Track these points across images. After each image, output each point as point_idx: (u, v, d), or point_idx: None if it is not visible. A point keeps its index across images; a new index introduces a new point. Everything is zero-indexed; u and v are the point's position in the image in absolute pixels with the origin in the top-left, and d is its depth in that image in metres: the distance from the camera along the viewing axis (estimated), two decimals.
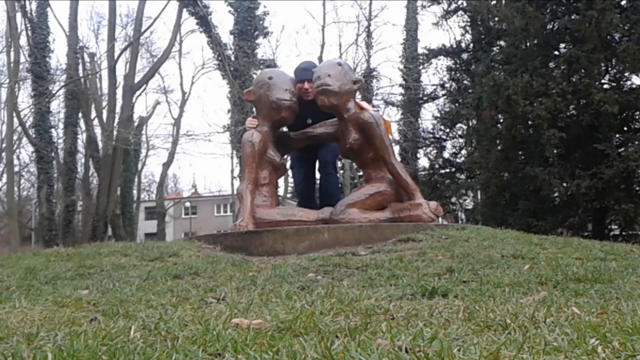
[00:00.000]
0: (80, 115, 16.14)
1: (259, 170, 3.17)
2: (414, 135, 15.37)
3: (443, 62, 14.14)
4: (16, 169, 17.50)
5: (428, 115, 22.80)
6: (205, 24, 14.42)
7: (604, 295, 1.50)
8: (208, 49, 14.90)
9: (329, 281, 1.92)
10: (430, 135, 14.65)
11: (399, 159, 3.44)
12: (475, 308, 1.28)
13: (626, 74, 9.59)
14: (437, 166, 13.61)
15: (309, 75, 3.33)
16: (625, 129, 9.50)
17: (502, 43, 11.32)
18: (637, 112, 9.42)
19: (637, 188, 8.96)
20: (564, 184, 8.69)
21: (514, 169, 9.87)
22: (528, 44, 10.08)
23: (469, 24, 13.31)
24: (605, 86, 9.46)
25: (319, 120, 3.48)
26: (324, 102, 3.18)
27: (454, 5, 13.38)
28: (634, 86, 9.52)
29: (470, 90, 12.37)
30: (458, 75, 13.83)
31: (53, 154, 16.01)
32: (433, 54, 13.96)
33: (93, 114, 16.57)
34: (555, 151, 9.04)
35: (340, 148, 3.46)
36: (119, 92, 14.94)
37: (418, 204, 3.11)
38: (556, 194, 9.09)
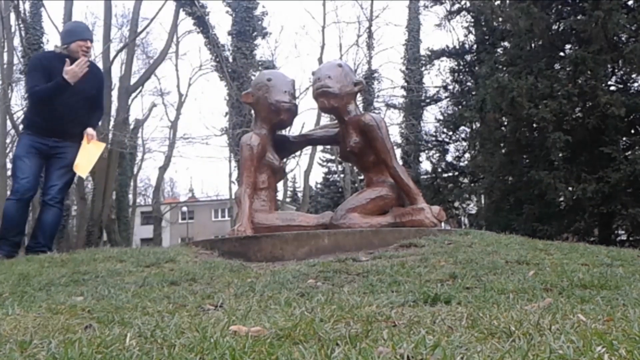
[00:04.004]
0: None
1: (258, 174, 3.14)
2: (416, 138, 15.38)
3: (446, 64, 14.17)
4: (9, 172, 17.51)
5: (430, 117, 22.79)
6: (202, 24, 14.47)
7: (611, 302, 1.47)
8: (205, 50, 14.98)
9: (329, 287, 1.89)
10: (433, 138, 14.64)
11: (400, 162, 3.41)
12: (478, 315, 1.26)
13: (633, 76, 9.54)
14: (439, 170, 13.57)
15: (91, 35, 3.56)
16: (632, 132, 9.43)
17: (506, 44, 11.29)
18: None
19: None
20: (570, 188, 8.63)
21: (518, 173, 9.82)
22: (533, 45, 10.04)
23: (472, 24, 13.31)
24: (612, 88, 9.40)
25: (84, 85, 3.41)
26: (324, 104, 3.16)
27: (457, 6, 13.38)
28: None
29: (473, 92, 12.36)
30: (461, 77, 13.83)
31: None
32: (435, 55, 13.98)
33: None
34: (560, 154, 8.98)
35: (341, 151, 3.44)
36: (115, 94, 14.91)
37: (420, 209, 3.08)
38: (562, 199, 9.02)
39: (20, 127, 15.86)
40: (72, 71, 3.31)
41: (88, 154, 3.44)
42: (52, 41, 17.33)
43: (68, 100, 3.38)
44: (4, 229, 3.34)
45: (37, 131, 3.42)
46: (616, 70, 9.69)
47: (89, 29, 3.74)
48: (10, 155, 18.42)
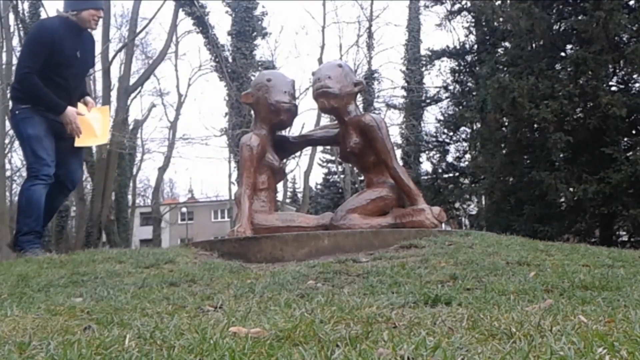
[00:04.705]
0: None
1: (258, 174, 3.13)
2: (417, 139, 15.39)
3: (446, 64, 14.17)
4: (8, 173, 17.32)
5: (431, 118, 22.85)
6: (202, 24, 14.46)
7: (612, 303, 1.47)
8: (205, 50, 14.97)
9: (329, 289, 1.89)
10: (433, 139, 14.65)
11: (401, 163, 3.40)
12: (479, 316, 1.25)
13: (634, 76, 9.55)
14: (440, 170, 13.59)
15: (103, 5, 3.27)
16: (634, 132, 9.43)
17: (507, 44, 11.30)
18: None
19: None
20: (571, 189, 8.63)
21: (519, 174, 9.82)
22: (534, 45, 10.05)
23: (473, 24, 13.33)
24: (613, 88, 9.40)
25: (86, 54, 3.25)
26: (324, 104, 3.15)
27: (457, 6, 13.39)
28: None
29: (474, 93, 12.37)
30: (462, 77, 13.84)
31: None
32: (436, 55, 13.99)
33: None
34: (561, 155, 8.98)
35: (341, 151, 3.43)
36: (114, 94, 14.83)
37: (421, 210, 3.06)
38: (562, 199, 9.02)
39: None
40: (71, 120, 3.04)
41: (100, 122, 3.23)
42: None
43: (77, 72, 3.21)
44: (32, 221, 2.97)
45: (48, 108, 3.06)
46: (617, 71, 9.69)
47: None
48: (10, 156, 18.40)
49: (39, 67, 3.03)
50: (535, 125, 9.33)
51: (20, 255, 2.99)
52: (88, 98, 3.35)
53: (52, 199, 3.18)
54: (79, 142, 3.19)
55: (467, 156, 13.84)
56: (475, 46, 13.24)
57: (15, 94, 3.20)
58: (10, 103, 3.29)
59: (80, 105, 3.24)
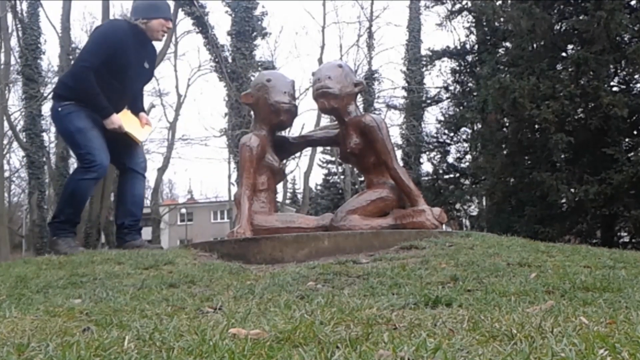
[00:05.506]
0: None
1: (257, 175, 3.13)
2: (417, 140, 15.39)
3: (447, 64, 14.15)
4: (6, 174, 17.32)
5: (431, 118, 22.85)
6: (201, 24, 14.46)
7: (613, 305, 1.46)
8: (204, 50, 14.98)
9: (329, 290, 1.88)
10: (434, 140, 14.64)
11: (401, 163, 3.40)
12: (480, 318, 1.25)
13: (636, 77, 9.54)
14: (440, 171, 13.58)
15: (172, 16, 3.20)
16: (635, 132, 9.42)
17: (508, 44, 11.30)
18: None
19: None
20: (572, 190, 8.62)
21: (520, 174, 9.80)
22: (535, 45, 10.04)
23: (473, 24, 13.32)
24: (615, 89, 9.39)
25: (152, 67, 3.27)
26: (324, 105, 3.15)
27: (458, 6, 13.38)
28: None
29: (475, 93, 12.36)
30: (462, 77, 13.82)
31: (44, 159, 15.68)
32: (436, 55, 13.98)
33: None
34: (562, 156, 8.97)
35: (341, 152, 3.43)
36: None
37: (421, 211, 3.06)
38: (564, 200, 9.02)
39: (18, 127, 15.57)
40: (115, 124, 3.01)
41: (141, 131, 3.25)
42: (49, 42, 17.27)
43: (137, 81, 3.21)
44: (72, 212, 3.01)
45: (95, 109, 3.02)
46: (619, 71, 9.69)
47: (169, 6, 3.33)
48: (8, 157, 18.39)
49: (97, 66, 2.97)
50: (536, 126, 9.33)
51: (52, 241, 3.03)
52: (143, 114, 3.32)
53: (129, 188, 3.21)
54: (141, 137, 3.21)
55: (468, 157, 13.84)
56: (476, 46, 13.23)
57: (61, 91, 3.10)
58: (52, 101, 3.20)
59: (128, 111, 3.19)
